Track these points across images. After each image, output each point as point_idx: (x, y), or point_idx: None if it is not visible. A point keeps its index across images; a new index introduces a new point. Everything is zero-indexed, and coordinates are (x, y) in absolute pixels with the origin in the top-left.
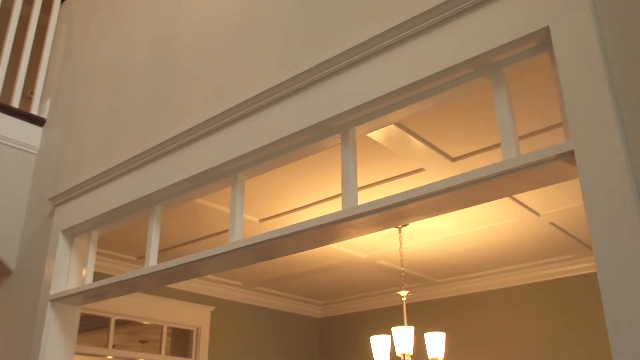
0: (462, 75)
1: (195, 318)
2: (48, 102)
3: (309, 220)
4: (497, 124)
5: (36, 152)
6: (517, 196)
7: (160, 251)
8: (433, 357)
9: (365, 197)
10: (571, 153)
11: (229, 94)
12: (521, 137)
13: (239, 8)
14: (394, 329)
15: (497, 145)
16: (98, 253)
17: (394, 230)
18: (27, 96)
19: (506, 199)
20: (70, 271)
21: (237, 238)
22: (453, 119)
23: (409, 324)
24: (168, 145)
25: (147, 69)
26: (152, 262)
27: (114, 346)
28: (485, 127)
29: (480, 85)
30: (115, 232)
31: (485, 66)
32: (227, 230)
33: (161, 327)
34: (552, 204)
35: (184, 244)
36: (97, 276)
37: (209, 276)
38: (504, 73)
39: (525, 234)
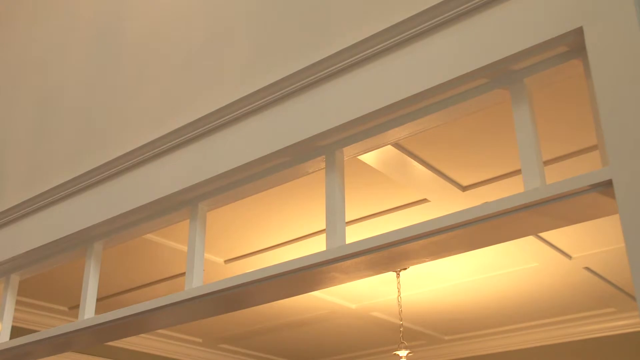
0: (475, 86)
1: None
2: None
3: (285, 262)
4: (517, 146)
5: None
6: (543, 235)
7: (99, 300)
8: None
9: (355, 234)
10: (609, 183)
11: (186, 108)
12: (547, 163)
13: (198, 5)
14: None
15: (518, 172)
16: (18, 302)
17: (391, 275)
18: None
19: (530, 238)
20: None
21: (197, 284)
22: (464, 139)
23: None
24: (109, 168)
25: (84, 73)
26: (89, 313)
27: None
28: (502, 150)
29: (497, 99)
30: (42, 275)
31: (503, 75)
32: (183, 274)
33: None
34: (587, 245)
35: (129, 290)
36: (16, 332)
37: (161, 331)
38: (526, 84)
39: (554, 282)
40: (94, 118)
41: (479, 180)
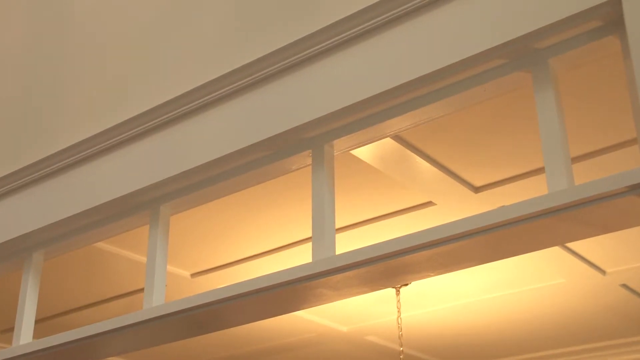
0: (491, 68)
1: None
2: None
3: (264, 277)
4: (539, 140)
5: None
6: (571, 245)
7: (38, 321)
8: None
9: (347, 244)
10: None
11: (146, 92)
12: (575, 160)
13: None
14: None
15: (540, 171)
16: None
17: (390, 292)
18: None
19: (555, 250)
20: None
21: (158, 302)
22: (477, 132)
23: None
24: (52, 164)
25: (22, 51)
26: (25, 338)
27: None
28: (522, 144)
29: (516, 83)
30: None
31: (524, 55)
32: (142, 290)
33: None
34: (624, 258)
35: (75, 310)
36: None
37: (115, 359)
38: (551, 66)
39: (584, 301)
40: (33, 104)
41: (495, 180)
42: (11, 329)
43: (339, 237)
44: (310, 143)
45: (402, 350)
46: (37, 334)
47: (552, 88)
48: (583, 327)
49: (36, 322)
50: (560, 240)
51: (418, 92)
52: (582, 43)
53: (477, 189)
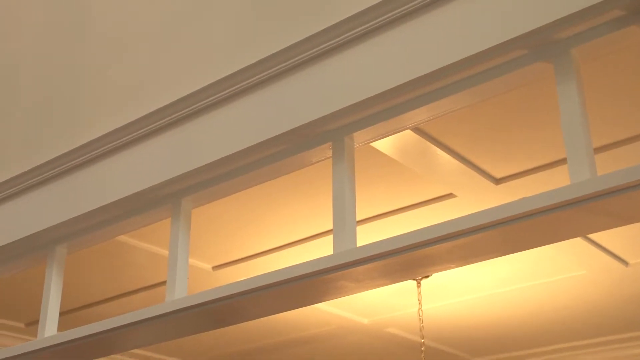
0: (512, 59)
1: None
2: None
3: (285, 269)
4: (561, 130)
5: None
6: (593, 236)
7: (62, 314)
8: None
9: (368, 236)
10: None
11: (167, 86)
12: (597, 150)
13: None
14: None
15: (562, 162)
16: None
17: (411, 284)
18: None
19: (577, 241)
20: None
21: (180, 294)
22: (497, 123)
23: None
24: (74, 158)
25: (42, 46)
26: (50, 330)
27: None
28: (544, 135)
29: (537, 74)
30: None
31: (545, 46)
32: (164, 283)
33: None
34: None
35: (98, 303)
36: None
37: (137, 352)
38: (573, 56)
39: (606, 293)
40: (55, 99)
41: (516, 171)
42: (36, 322)
43: (359, 229)
44: (331, 135)
45: (424, 342)
46: (61, 327)
47: (575, 79)
48: (605, 319)
49: (60, 314)
50: (582, 231)
51: (438, 83)
52: (605, 32)
53: (497, 181)
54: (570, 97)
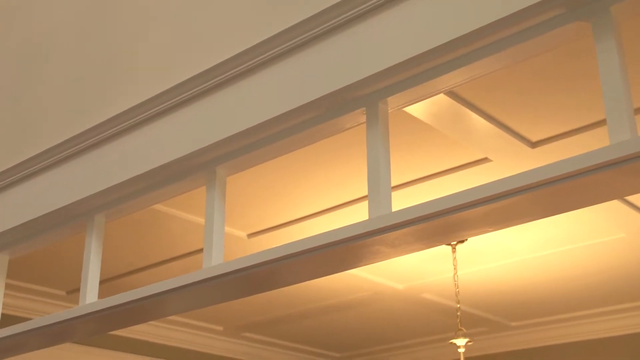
0: (548, 18)
1: None
2: None
3: (320, 235)
4: (600, 91)
5: None
6: (631, 199)
7: (102, 282)
8: None
9: (403, 201)
10: None
11: (199, 54)
12: (637, 111)
13: None
14: None
15: (601, 124)
16: (8, 286)
17: (446, 249)
18: None
19: (615, 204)
20: None
21: (216, 262)
22: (533, 85)
23: None
24: (109, 127)
25: (76, 17)
26: (90, 297)
27: None
28: (581, 97)
29: (575, 34)
30: (35, 255)
31: (584, 4)
32: (200, 250)
33: None
34: None
35: (136, 271)
36: (6, 320)
37: (174, 318)
38: (613, 14)
39: None
40: (89, 69)
41: (552, 134)
42: (76, 290)
43: (394, 195)
44: (364, 101)
45: (459, 308)
46: (101, 294)
47: (614, 37)
48: None
49: (100, 282)
50: (621, 193)
51: (473, 46)
52: None
53: (533, 144)
54: (609, 56)
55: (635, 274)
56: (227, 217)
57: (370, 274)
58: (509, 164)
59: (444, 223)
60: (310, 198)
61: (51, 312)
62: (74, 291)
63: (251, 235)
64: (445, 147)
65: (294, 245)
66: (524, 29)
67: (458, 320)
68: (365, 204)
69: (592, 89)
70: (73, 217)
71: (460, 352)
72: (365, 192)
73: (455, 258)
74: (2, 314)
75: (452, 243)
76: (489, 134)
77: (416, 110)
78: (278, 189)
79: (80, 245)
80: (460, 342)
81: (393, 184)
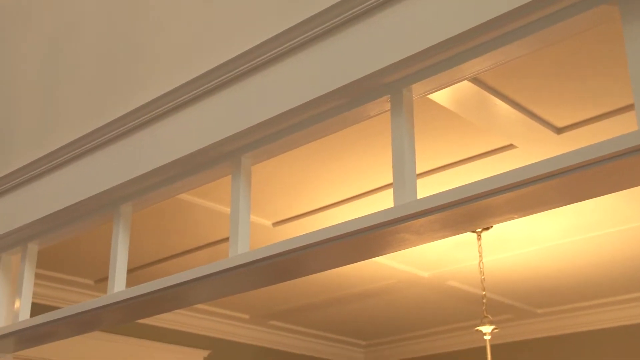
0: (575, 2)
1: None
2: None
3: (345, 223)
4: (628, 76)
5: None
6: None
7: (129, 271)
8: None
9: (428, 188)
10: None
11: (224, 43)
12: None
13: None
14: None
15: (629, 108)
16: (38, 276)
17: (471, 236)
18: None
19: None
20: None
21: (242, 250)
22: (559, 70)
23: None
24: (136, 118)
25: (103, 6)
26: (119, 286)
27: None
28: (609, 82)
29: (601, 18)
30: (63, 244)
31: None
32: (226, 239)
33: None
34: None
35: (163, 260)
36: (36, 309)
37: (201, 307)
38: None
39: None
40: (116, 59)
41: (578, 120)
42: (105, 279)
43: (419, 182)
44: (389, 88)
45: (485, 295)
46: (128, 283)
47: None
48: None
49: (127, 271)
50: None
51: (498, 31)
52: None
53: (559, 130)
54: (638, 38)
55: None
56: (253, 206)
57: (395, 261)
58: (534, 150)
59: (469, 210)
60: (335, 186)
61: (80, 301)
62: (102, 280)
63: (276, 223)
64: (470, 134)
65: (319, 233)
66: (549, 14)
67: (484, 308)
68: (390, 192)
69: (618, 74)
70: (100, 207)
71: (486, 340)
72: (390, 180)
73: (480, 245)
74: (33, 303)
75: (478, 230)
76: (513, 120)
77: (441, 97)
78: (303, 178)
79: (107, 235)
80: (486, 329)
81: (418, 171)
